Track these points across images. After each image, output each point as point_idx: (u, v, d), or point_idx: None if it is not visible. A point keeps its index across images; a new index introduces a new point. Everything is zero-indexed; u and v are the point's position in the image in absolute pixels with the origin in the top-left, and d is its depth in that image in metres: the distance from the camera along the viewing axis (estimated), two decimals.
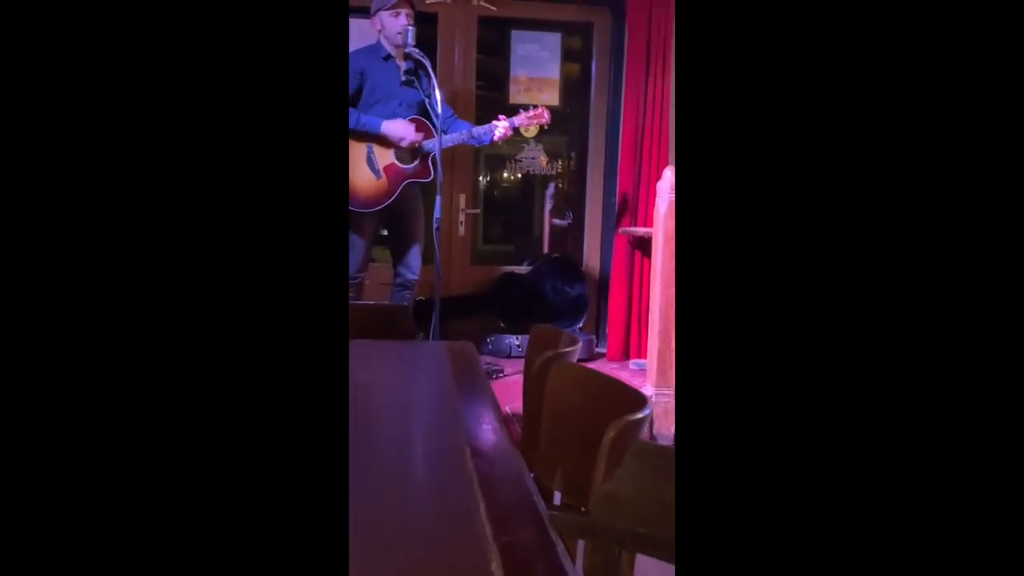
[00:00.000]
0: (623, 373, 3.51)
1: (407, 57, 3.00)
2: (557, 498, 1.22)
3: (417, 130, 2.99)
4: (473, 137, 3.01)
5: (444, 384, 1.40)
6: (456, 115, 3.19)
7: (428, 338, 2.85)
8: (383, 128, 2.92)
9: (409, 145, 2.95)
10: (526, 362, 1.70)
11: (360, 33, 3.47)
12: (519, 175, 4.27)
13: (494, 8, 3.77)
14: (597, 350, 3.90)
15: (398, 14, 2.95)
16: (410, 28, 2.90)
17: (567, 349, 1.42)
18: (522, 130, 3.11)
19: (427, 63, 2.90)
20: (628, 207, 3.69)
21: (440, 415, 1.21)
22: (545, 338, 1.61)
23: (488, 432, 1.10)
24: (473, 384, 1.39)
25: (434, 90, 2.92)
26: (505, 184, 4.47)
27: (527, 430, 1.45)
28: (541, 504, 0.84)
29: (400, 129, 2.93)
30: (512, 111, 3.09)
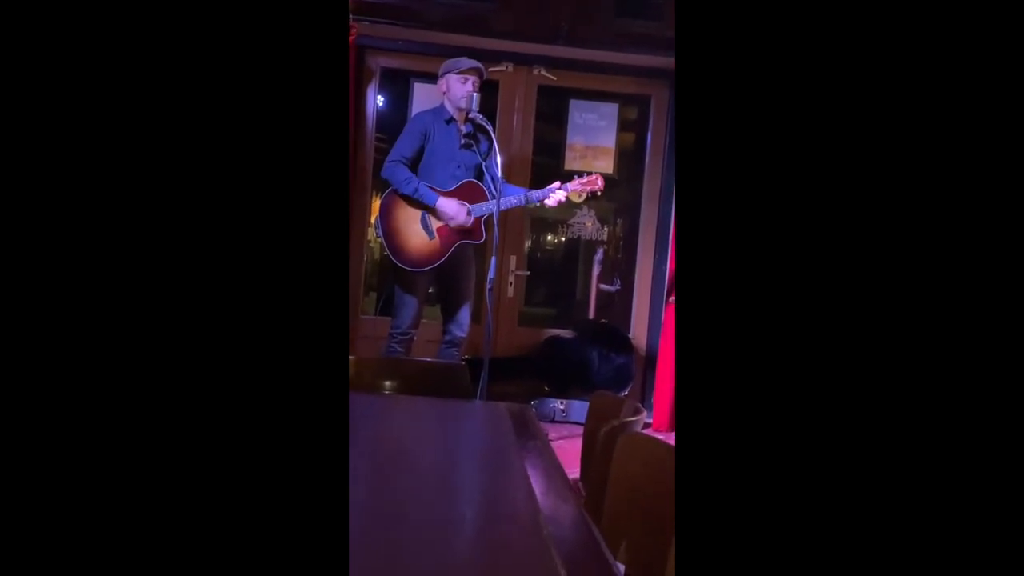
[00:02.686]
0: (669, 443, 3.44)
1: (468, 120, 3.09)
2: (620, 570, 1.20)
3: (473, 193, 3.06)
4: (528, 200, 3.08)
5: (508, 446, 1.40)
6: (507, 181, 3.25)
7: (475, 398, 2.85)
8: (438, 204, 3.02)
9: (459, 225, 3.02)
10: (585, 430, 1.69)
11: (428, 96, 3.59)
12: (563, 239, 4.30)
13: (554, 78, 3.87)
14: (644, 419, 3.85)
15: (466, 80, 3.03)
16: (475, 95, 3.00)
17: (632, 419, 1.41)
18: (574, 196, 3.15)
19: (490, 128, 2.98)
20: None
21: (509, 478, 1.21)
22: (606, 406, 1.61)
23: (559, 499, 1.09)
24: (536, 448, 1.38)
25: (494, 155, 2.99)
26: (549, 247, 4.49)
27: (589, 498, 1.43)
28: None
29: (453, 209, 3.02)
30: (567, 177, 3.14)
